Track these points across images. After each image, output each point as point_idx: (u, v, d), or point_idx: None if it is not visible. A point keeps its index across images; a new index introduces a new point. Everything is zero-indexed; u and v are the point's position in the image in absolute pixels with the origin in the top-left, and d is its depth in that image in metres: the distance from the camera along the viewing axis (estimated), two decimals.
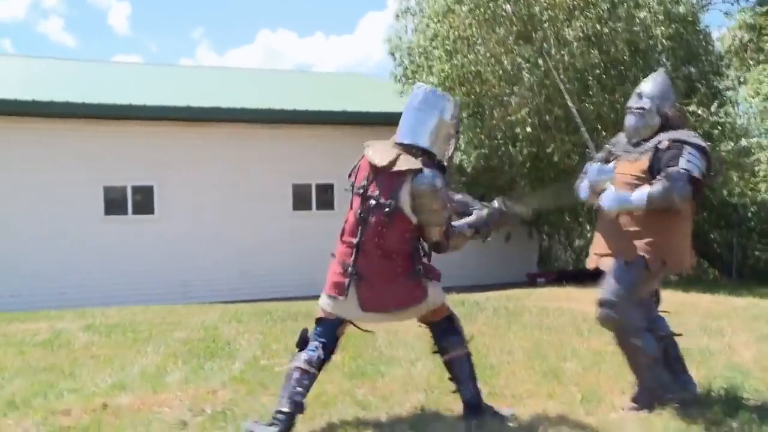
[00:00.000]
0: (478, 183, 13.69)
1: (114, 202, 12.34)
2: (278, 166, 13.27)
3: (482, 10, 11.58)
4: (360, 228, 3.69)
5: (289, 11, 70.94)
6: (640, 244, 3.93)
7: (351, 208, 3.81)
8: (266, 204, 13.22)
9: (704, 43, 13.64)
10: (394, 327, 6.28)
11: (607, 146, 4.44)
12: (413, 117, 3.80)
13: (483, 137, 12.59)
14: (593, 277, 13.73)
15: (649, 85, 4.17)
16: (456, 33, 11.80)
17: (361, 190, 3.74)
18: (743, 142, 12.64)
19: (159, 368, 5.20)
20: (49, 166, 11.77)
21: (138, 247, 12.29)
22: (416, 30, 13.75)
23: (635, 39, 11.74)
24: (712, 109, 12.34)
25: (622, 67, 11.76)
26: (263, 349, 5.92)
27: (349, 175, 3.89)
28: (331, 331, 3.80)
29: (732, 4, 19.11)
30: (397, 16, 14.13)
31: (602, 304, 4.01)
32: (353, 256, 3.68)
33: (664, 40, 12.21)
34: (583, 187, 4.28)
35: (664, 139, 3.97)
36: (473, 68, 12.02)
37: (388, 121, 13.45)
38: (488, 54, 11.75)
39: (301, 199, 13.60)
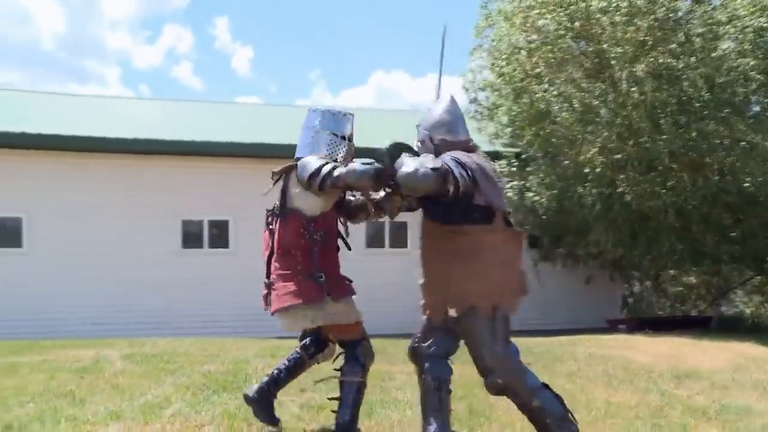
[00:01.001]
0: (553, 224, 13.36)
1: (191, 236, 12.91)
2: None
3: (550, 48, 11.36)
4: (270, 240, 4.07)
5: (403, 53, 72.50)
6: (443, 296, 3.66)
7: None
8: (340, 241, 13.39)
9: None
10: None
11: None
12: (299, 137, 4.19)
13: (555, 178, 12.29)
14: (680, 324, 12.99)
15: (425, 114, 3.94)
16: (524, 72, 11.63)
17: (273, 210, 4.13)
18: None
19: (165, 399, 5.33)
20: (131, 199, 12.49)
21: (213, 280, 12.73)
22: (490, 68, 13.68)
23: (712, 74, 11.15)
24: None
25: (698, 104, 11.19)
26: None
27: None
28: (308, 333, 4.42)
29: None
30: (471, 52, 14.18)
31: (482, 373, 3.67)
32: (267, 269, 4.09)
33: (752, 74, 11.54)
34: None
35: None
36: (542, 107, 11.80)
37: None
38: (556, 93, 11.51)
39: (375, 235, 13.74)
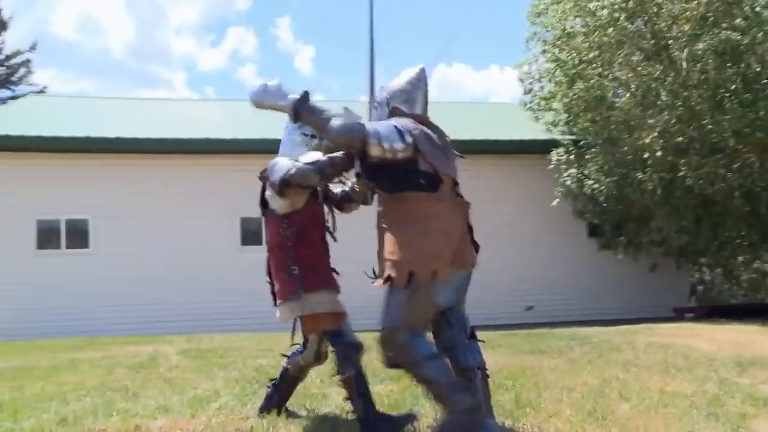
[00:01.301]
0: (613, 212, 13.01)
1: (249, 233, 13.11)
2: None
3: (603, 31, 11.03)
4: None
5: (465, 46, 72.14)
6: (386, 263, 3.50)
7: None
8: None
9: None
10: None
11: None
12: None
13: (613, 164, 11.95)
14: (754, 312, 12.44)
15: (393, 79, 3.81)
16: (577, 57, 11.33)
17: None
18: None
19: (214, 393, 5.41)
20: (190, 198, 12.80)
21: None
22: (542, 54, 13.39)
23: None
24: None
25: (766, 80, 10.66)
26: (323, 377, 5.96)
27: None
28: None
29: None
30: (527, 41, 13.89)
31: (379, 344, 3.58)
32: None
33: None
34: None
35: None
36: (598, 93, 11.47)
37: (518, 148, 13.15)
38: (611, 77, 11.17)
39: None
